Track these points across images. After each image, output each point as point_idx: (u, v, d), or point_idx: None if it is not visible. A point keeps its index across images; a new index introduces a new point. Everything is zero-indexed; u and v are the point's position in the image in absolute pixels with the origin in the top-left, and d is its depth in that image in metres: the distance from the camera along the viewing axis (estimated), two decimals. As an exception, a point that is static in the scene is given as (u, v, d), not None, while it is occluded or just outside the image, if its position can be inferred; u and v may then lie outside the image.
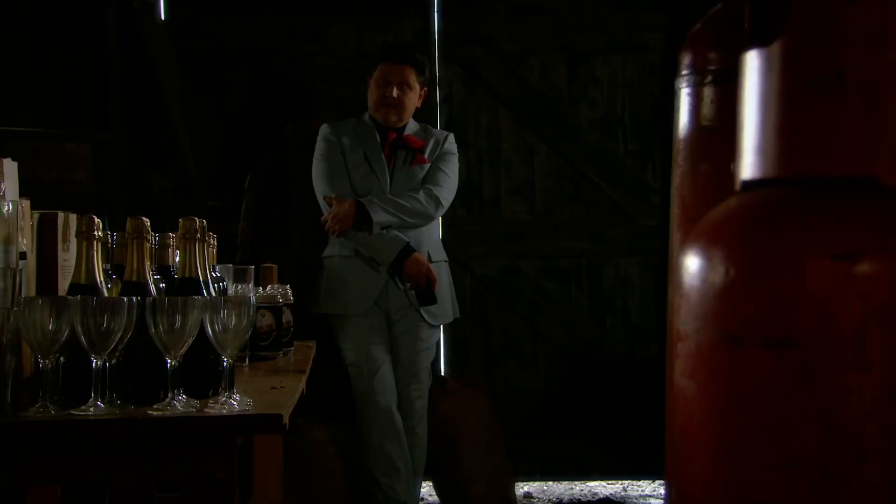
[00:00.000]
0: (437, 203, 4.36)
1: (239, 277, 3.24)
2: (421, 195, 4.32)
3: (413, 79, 4.33)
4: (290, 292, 3.48)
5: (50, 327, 1.94)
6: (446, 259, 4.55)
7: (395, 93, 4.29)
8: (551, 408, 5.39)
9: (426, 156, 4.39)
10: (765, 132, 1.14)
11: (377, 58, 4.39)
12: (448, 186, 4.41)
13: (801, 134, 1.11)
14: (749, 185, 1.20)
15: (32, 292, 2.31)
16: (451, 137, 4.52)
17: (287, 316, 3.40)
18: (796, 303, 1.08)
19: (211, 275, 2.60)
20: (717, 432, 1.18)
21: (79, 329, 1.96)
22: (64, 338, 1.96)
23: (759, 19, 1.18)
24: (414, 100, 4.38)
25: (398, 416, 4.30)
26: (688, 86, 1.61)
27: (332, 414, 4.25)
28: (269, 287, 3.43)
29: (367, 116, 4.44)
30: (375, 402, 4.26)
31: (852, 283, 1.05)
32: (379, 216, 4.22)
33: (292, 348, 3.48)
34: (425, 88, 4.40)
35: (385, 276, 4.30)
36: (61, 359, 1.99)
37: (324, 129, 4.44)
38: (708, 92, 1.56)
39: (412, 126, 4.48)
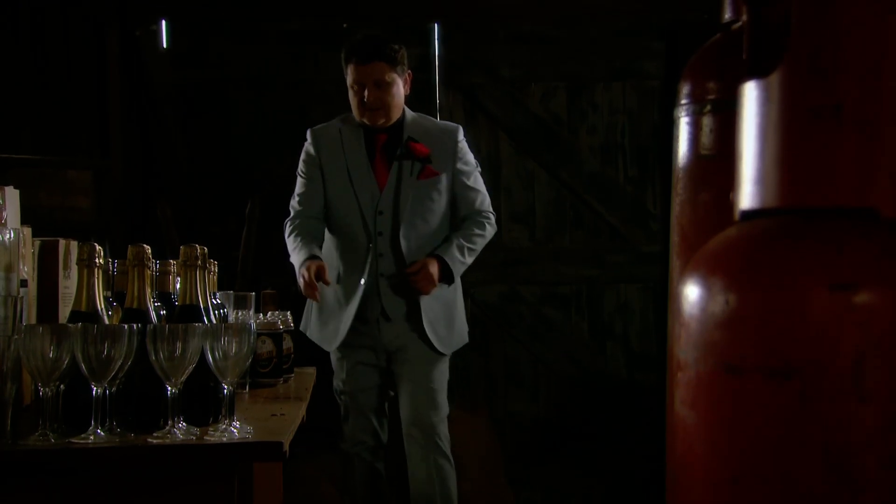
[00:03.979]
0: (494, 226, 3.99)
1: (239, 304, 3.24)
2: (486, 229, 3.91)
3: (388, 73, 3.79)
4: (290, 319, 3.48)
5: (50, 355, 1.94)
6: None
7: (371, 95, 3.78)
8: (552, 435, 5.38)
9: (434, 165, 3.86)
10: (763, 163, 1.15)
11: (343, 57, 3.86)
12: (489, 201, 4.00)
13: (800, 165, 1.11)
14: (748, 214, 1.20)
15: (33, 319, 2.32)
16: (461, 134, 3.97)
17: (287, 342, 3.40)
18: (796, 333, 1.08)
19: (211, 301, 2.61)
20: (718, 462, 1.18)
21: (79, 357, 1.96)
22: (64, 365, 1.96)
23: (758, 50, 1.19)
24: (398, 93, 3.83)
25: (379, 468, 3.99)
26: (687, 115, 1.62)
27: (333, 441, 4.23)
28: (269, 314, 3.42)
29: (354, 118, 3.92)
30: (357, 453, 3.97)
31: (851, 313, 1.06)
32: (459, 271, 3.86)
33: (293, 375, 3.47)
34: (408, 72, 3.88)
35: (353, 311, 3.83)
36: (61, 386, 1.99)
37: (307, 138, 3.98)
38: (707, 121, 1.57)
39: (409, 122, 3.92)
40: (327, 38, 5.28)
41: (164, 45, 5.29)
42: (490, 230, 3.93)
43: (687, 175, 1.62)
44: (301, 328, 3.98)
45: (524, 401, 5.42)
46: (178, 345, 2.01)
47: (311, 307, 4.01)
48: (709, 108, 1.56)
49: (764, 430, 1.11)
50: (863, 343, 1.05)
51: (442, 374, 3.94)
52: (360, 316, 3.85)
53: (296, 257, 3.81)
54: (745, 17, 1.24)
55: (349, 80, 3.82)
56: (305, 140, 3.97)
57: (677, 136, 1.65)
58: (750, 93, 1.16)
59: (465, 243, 3.85)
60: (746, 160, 1.18)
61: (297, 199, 3.96)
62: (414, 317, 3.86)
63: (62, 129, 5.13)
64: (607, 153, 5.45)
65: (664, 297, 5.08)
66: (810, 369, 1.08)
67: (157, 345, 2.00)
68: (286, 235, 3.89)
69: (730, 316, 1.13)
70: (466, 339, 4.04)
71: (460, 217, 3.92)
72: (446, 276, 3.82)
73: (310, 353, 4.12)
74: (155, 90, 5.19)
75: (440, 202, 3.88)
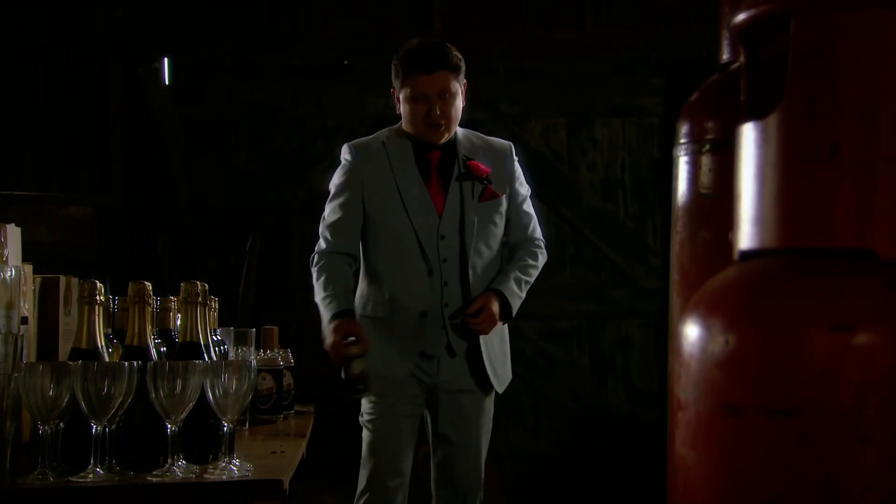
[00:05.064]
0: (545, 255, 3.64)
1: (240, 340, 3.24)
2: (539, 259, 3.57)
3: (452, 83, 3.42)
4: (290, 355, 3.48)
5: (50, 393, 1.94)
6: None
7: (439, 110, 3.39)
8: (553, 470, 5.36)
9: (494, 185, 3.49)
10: (762, 203, 1.15)
11: (399, 67, 3.44)
12: (539, 228, 3.66)
13: (798, 206, 1.12)
14: (747, 254, 1.20)
15: (33, 356, 2.32)
16: (514, 152, 3.62)
17: (287, 379, 3.40)
18: (796, 373, 1.08)
19: (212, 338, 2.61)
20: (718, 502, 1.18)
21: (79, 394, 1.96)
22: (64, 403, 1.96)
23: (755, 92, 1.20)
24: (460, 105, 3.48)
25: None
26: (686, 154, 1.63)
27: (333, 478, 4.21)
28: (269, 350, 3.42)
29: (398, 131, 3.53)
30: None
31: (851, 354, 1.06)
32: (517, 306, 3.49)
33: (292, 411, 3.46)
34: (464, 82, 3.50)
35: (420, 339, 3.41)
36: (61, 424, 1.98)
37: (344, 153, 3.53)
38: (706, 160, 1.58)
39: (462, 138, 3.54)
40: (328, 74, 5.31)
41: (166, 82, 5.32)
42: (542, 260, 3.59)
43: (686, 213, 1.63)
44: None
45: (525, 436, 5.41)
46: (179, 382, 2.01)
47: None
48: (708, 147, 1.57)
49: (764, 470, 1.11)
50: (863, 383, 1.05)
51: (489, 425, 3.58)
52: (422, 353, 3.42)
53: (325, 309, 3.39)
54: (742, 59, 1.25)
55: (407, 92, 3.41)
56: (343, 156, 3.52)
57: (676, 175, 1.65)
58: (748, 133, 1.17)
59: (521, 276, 3.50)
60: (745, 200, 1.18)
61: (329, 229, 3.48)
62: (474, 352, 3.47)
63: (64, 165, 5.16)
64: (607, 189, 5.47)
65: (665, 332, 5.07)
66: (811, 410, 1.07)
67: (157, 382, 2.00)
68: (315, 277, 3.45)
69: (729, 356, 1.13)
70: (511, 376, 3.69)
71: (511, 243, 3.57)
72: (505, 313, 3.46)
73: (309, 389, 4.12)
74: (157, 126, 5.22)
75: (501, 226, 3.53)
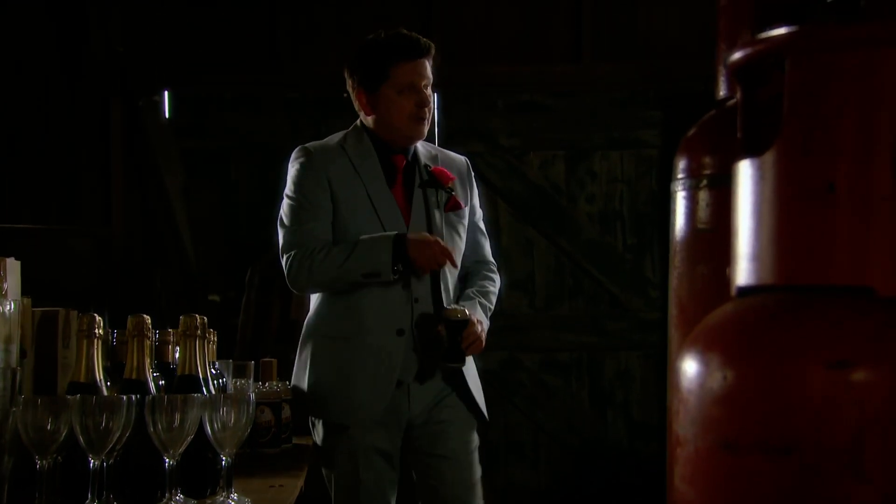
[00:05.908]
0: (499, 282, 3.36)
1: (239, 373, 3.24)
2: (496, 286, 3.30)
3: (431, 72, 3.15)
4: (289, 388, 3.47)
5: (48, 427, 1.94)
6: None
7: (429, 100, 3.11)
8: (552, 504, 5.34)
9: (457, 195, 3.21)
10: (759, 240, 1.16)
11: (377, 59, 3.10)
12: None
13: (795, 243, 1.13)
14: (745, 290, 1.21)
15: (31, 390, 2.31)
16: (470, 166, 3.38)
17: (286, 412, 3.39)
18: (793, 410, 1.08)
19: (211, 371, 2.60)
20: (718, 539, 1.18)
21: (77, 429, 1.95)
22: (62, 437, 1.95)
23: (752, 129, 1.21)
24: None
25: None
26: (683, 189, 1.63)
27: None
28: (268, 383, 3.42)
29: (355, 133, 3.21)
30: None
31: (849, 391, 1.06)
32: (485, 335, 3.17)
33: (291, 444, 3.45)
34: None
35: (399, 363, 3.04)
36: (59, 458, 1.98)
37: (298, 156, 3.19)
38: (703, 195, 1.58)
39: (419, 146, 3.25)
40: (327, 107, 5.34)
41: (166, 115, 5.35)
42: (497, 287, 3.32)
43: (685, 248, 1.64)
44: (294, 382, 3.29)
45: (525, 469, 5.39)
46: (177, 416, 2.01)
47: (307, 360, 3.21)
48: (705, 182, 1.58)
49: (763, 507, 1.11)
50: (861, 421, 1.06)
51: (477, 461, 3.21)
52: (396, 380, 3.07)
53: (373, 243, 2.99)
54: (738, 96, 1.26)
55: (393, 85, 3.08)
56: (298, 159, 3.20)
57: (674, 210, 1.66)
58: (744, 171, 1.18)
59: (486, 302, 3.21)
60: (742, 237, 1.19)
61: (296, 231, 3.12)
62: (456, 379, 3.13)
63: (64, 198, 5.17)
64: (606, 221, 5.49)
65: (664, 365, 5.07)
66: (808, 447, 1.08)
67: (155, 416, 2.00)
68: (308, 270, 3.07)
69: (727, 392, 1.13)
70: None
71: (467, 263, 3.27)
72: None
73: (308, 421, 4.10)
74: (156, 159, 5.23)
75: (464, 241, 3.23)
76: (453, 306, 3.05)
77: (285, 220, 3.16)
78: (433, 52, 3.14)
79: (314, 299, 3.23)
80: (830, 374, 1.06)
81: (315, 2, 5.44)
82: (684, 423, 1.21)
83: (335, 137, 3.23)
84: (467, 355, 3.08)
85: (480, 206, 3.38)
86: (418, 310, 3.08)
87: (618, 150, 5.49)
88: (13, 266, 2.35)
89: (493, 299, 3.28)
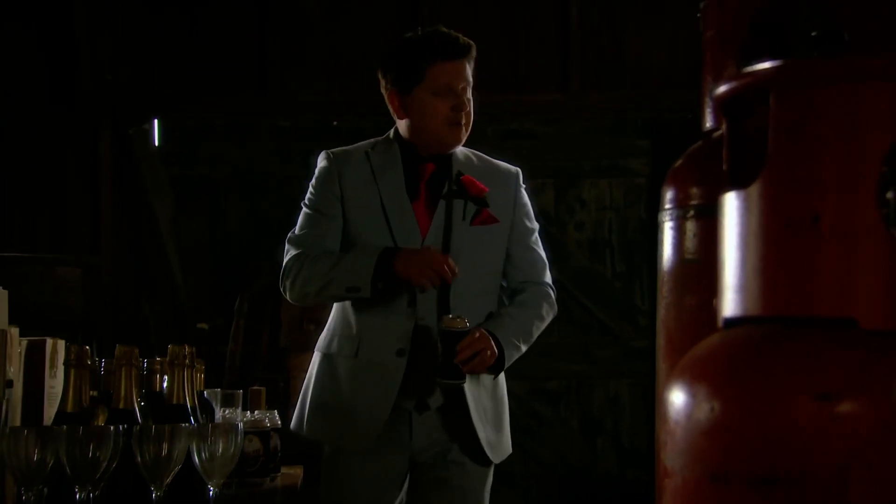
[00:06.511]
0: (555, 307, 3.03)
1: (227, 402, 3.22)
2: (544, 309, 2.94)
3: (470, 75, 2.94)
4: (277, 417, 3.46)
5: (35, 458, 1.93)
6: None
7: (468, 104, 2.90)
8: (542, 533, 5.32)
9: (492, 209, 2.91)
10: (745, 272, 1.17)
11: (413, 58, 2.87)
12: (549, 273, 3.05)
13: (780, 275, 1.13)
14: (731, 322, 1.22)
15: (18, 420, 2.30)
16: (521, 179, 3.09)
17: (275, 441, 3.37)
18: (780, 441, 1.09)
19: (199, 400, 2.60)
20: (706, 570, 1.18)
21: (64, 459, 1.94)
22: (49, 468, 1.94)
23: (737, 162, 1.22)
24: None
25: None
26: (671, 219, 1.64)
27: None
28: (257, 411, 3.40)
29: (390, 140, 2.99)
30: None
31: (835, 423, 1.06)
32: (511, 360, 2.87)
33: (279, 474, 3.44)
34: None
35: (397, 385, 2.80)
36: (45, 490, 1.97)
37: (320, 161, 3.02)
38: (690, 226, 1.59)
39: (461, 152, 2.99)
40: (317, 136, 5.35)
41: (156, 143, 5.35)
42: (550, 312, 2.97)
43: (672, 278, 1.64)
44: (293, 429, 3.13)
45: (515, 498, 5.37)
46: (165, 445, 2.01)
47: (310, 378, 3.02)
48: (692, 213, 1.59)
49: (751, 539, 1.11)
50: (847, 452, 1.06)
51: None
52: (395, 405, 2.84)
53: (363, 255, 2.80)
54: (724, 128, 1.27)
55: (429, 87, 2.86)
56: (319, 163, 3.01)
57: (662, 240, 1.67)
58: (730, 203, 1.19)
59: (522, 324, 2.88)
60: (728, 269, 1.20)
61: (301, 236, 2.93)
62: (458, 407, 2.83)
63: (53, 225, 5.16)
64: (595, 248, 5.50)
65: (654, 393, 5.08)
66: (795, 478, 1.08)
67: (143, 446, 2.00)
68: (298, 269, 2.86)
69: (714, 423, 1.14)
70: (510, 449, 3.02)
71: (514, 284, 2.98)
72: (495, 364, 2.82)
73: (298, 450, 4.08)
74: (146, 187, 5.23)
75: (496, 258, 2.95)
76: (453, 315, 2.75)
77: (297, 223, 2.98)
78: (474, 53, 2.93)
79: (330, 317, 3.01)
80: (816, 406, 1.07)
81: (304, 30, 5.46)
82: (672, 454, 1.21)
83: (367, 143, 3.02)
84: (466, 372, 2.73)
85: (532, 223, 3.05)
86: (421, 329, 2.82)
87: (606, 178, 5.51)
88: (1, 296, 2.34)
89: (537, 323, 2.92)
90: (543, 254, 3.03)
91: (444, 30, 2.93)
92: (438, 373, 2.74)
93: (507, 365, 2.85)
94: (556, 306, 3.01)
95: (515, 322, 2.88)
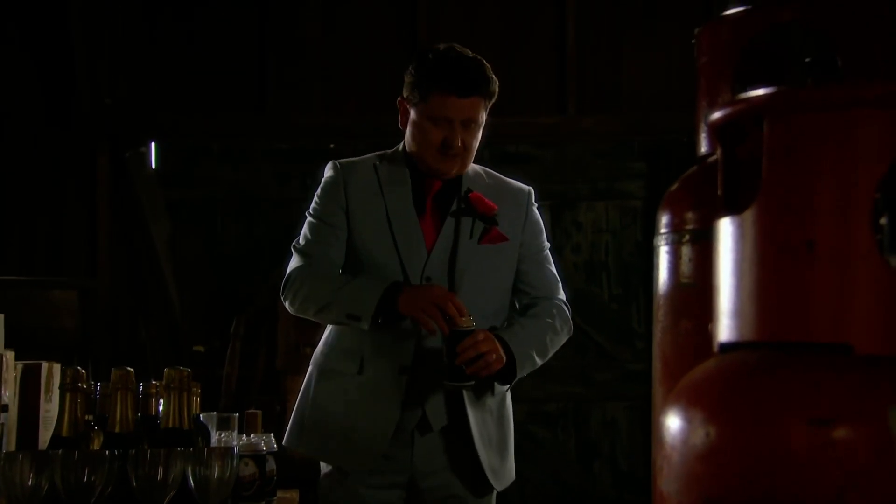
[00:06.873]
0: (571, 326, 2.95)
1: (223, 425, 3.22)
2: (558, 322, 2.85)
3: (481, 112, 2.77)
4: (273, 440, 3.45)
5: (30, 483, 1.92)
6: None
7: (461, 140, 2.74)
8: (539, 557, 5.30)
9: (501, 227, 2.82)
10: (740, 297, 1.17)
11: (422, 77, 2.76)
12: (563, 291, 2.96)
13: (775, 300, 1.14)
14: (726, 347, 1.22)
15: (13, 444, 2.30)
16: (533, 197, 2.98)
17: (271, 464, 3.36)
18: (775, 466, 1.09)
19: (195, 424, 2.59)
20: None
21: (59, 484, 1.94)
22: (44, 493, 1.94)
23: (732, 187, 1.22)
24: (479, 138, 2.82)
25: None
26: (666, 244, 1.64)
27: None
28: (252, 434, 3.40)
29: (399, 153, 2.90)
30: None
31: (830, 448, 1.07)
32: (524, 370, 2.79)
33: (275, 498, 3.43)
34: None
35: (399, 404, 2.72)
36: (40, 515, 1.96)
37: (326, 171, 2.91)
38: (686, 250, 1.59)
39: (471, 171, 2.89)
40: (314, 158, 5.36)
41: (153, 166, 5.36)
42: (566, 328, 2.90)
43: (668, 303, 1.64)
44: (286, 443, 3.02)
45: (511, 522, 5.35)
46: (160, 470, 2.00)
47: (304, 409, 2.92)
48: (688, 237, 1.59)
49: (747, 564, 1.11)
50: (842, 478, 1.06)
51: None
52: (396, 425, 2.75)
53: (370, 285, 2.71)
54: (719, 154, 1.27)
55: (426, 110, 2.76)
56: (325, 174, 2.90)
57: (657, 265, 1.67)
58: (725, 228, 1.19)
59: (537, 336, 2.80)
60: (723, 294, 1.20)
61: (305, 246, 2.84)
62: (461, 430, 2.75)
63: (49, 248, 5.17)
64: (591, 271, 5.51)
65: (651, 416, 5.06)
66: (790, 503, 1.08)
67: (138, 470, 1.99)
68: (302, 282, 2.78)
69: (710, 449, 1.14)
70: (514, 476, 2.99)
71: (526, 301, 2.91)
72: (505, 374, 2.71)
73: (293, 474, 4.07)
74: (143, 210, 5.24)
75: (505, 278, 2.87)
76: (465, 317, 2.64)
77: (301, 232, 2.89)
78: (490, 88, 2.78)
79: (326, 332, 2.94)
80: (811, 432, 1.07)
81: (301, 53, 5.48)
82: (668, 480, 1.21)
83: (375, 155, 2.93)
84: (470, 374, 2.62)
85: (544, 241, 2.97)
86: (425, 347, 2.73)
87: (603, 201, 5.52)
88: (-3, 319, 2.34)
89: (553, 337, 2.83)
90: (556, 272, 2.97)
91: (462, 59, 2.78)
92: (444, 375, 2.65)
93: (519, 374, 2.75)
94: (570, 323, 2.92)
95: (526, 331, 2.78)
